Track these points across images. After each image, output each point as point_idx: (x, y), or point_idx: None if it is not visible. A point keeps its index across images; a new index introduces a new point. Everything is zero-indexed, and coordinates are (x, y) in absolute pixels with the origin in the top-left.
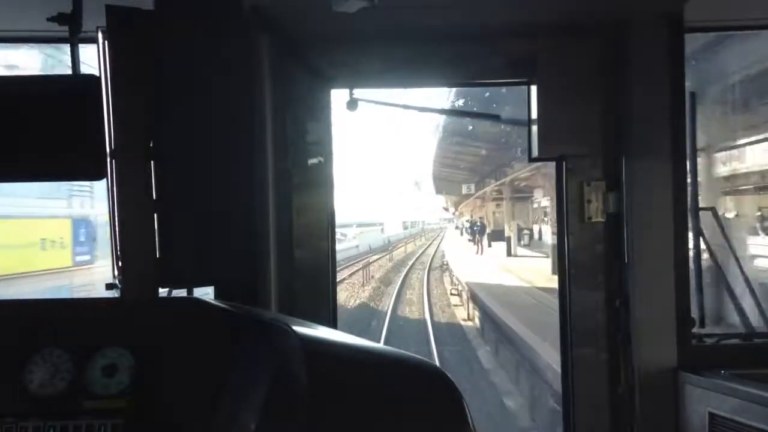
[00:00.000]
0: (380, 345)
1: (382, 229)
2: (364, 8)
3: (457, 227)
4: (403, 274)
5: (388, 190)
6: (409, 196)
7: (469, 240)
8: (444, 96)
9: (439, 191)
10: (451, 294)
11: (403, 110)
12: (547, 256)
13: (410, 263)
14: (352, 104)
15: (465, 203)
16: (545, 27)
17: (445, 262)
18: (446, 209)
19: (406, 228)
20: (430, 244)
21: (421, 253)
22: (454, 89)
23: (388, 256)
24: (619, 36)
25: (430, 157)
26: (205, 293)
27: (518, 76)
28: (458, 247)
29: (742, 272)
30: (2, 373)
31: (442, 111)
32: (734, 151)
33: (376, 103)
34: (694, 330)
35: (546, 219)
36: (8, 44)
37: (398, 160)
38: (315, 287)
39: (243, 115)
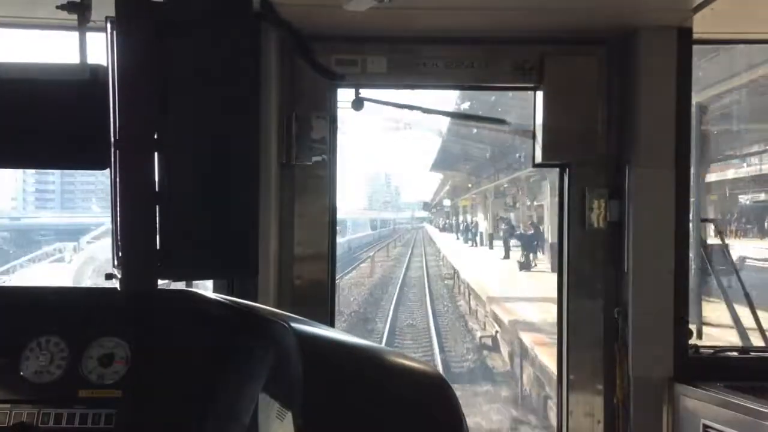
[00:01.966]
0: (378, 344)
1: (341, 230)
2: (373, 8)
3: (442, 228)
4: None
5: (355, 181)
6: (379, 188)
7: (522, 265)
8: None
9: (441, 164)
10: None
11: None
12: None
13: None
14: (358, 104)
15: (481, 189)
16: (553, 33)
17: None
18: (429, 205)
19: (375, 228)
20: (409, 256)
21: (401, 287)
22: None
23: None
24: (627, 45)
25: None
26: (204, 287)
27: (525, 81)
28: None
29: (742, 285)
30: None
31: (447, 113)
32: None
33: (381, 103)
34: (691, 341)
35: None
36: (17, 30)
37: (369, 145)
38: (314, 284)
39: (249, 109)
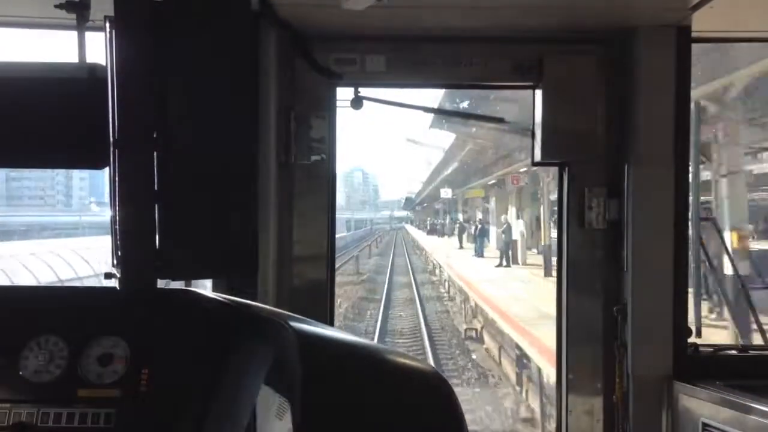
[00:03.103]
0: (376, 343)
1: None
2: (372, 6)
3: (431, 230)
4: None
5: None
6: (357, 187)
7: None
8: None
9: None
10: None
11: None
12: None
13: None
14: (357, 103)
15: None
16: (552, 32)
17: None
18: (412, 201)
19: (349, 229)
20: (390, 276)
21: None
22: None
23: None
24: (626, 44)
25: None
26: (204, 286)
27: (524, 79)
28: None
29: (742, 284)
30: None
31: (446, 112)
32: None
33: (381, 102)
34: (690, 340)
35: None
36: (16, 30)
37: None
38: (313, 283)
39: (248, 109)
